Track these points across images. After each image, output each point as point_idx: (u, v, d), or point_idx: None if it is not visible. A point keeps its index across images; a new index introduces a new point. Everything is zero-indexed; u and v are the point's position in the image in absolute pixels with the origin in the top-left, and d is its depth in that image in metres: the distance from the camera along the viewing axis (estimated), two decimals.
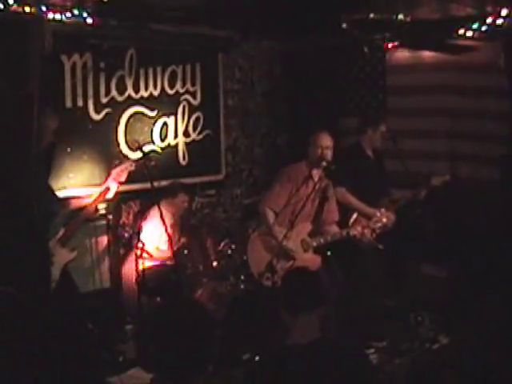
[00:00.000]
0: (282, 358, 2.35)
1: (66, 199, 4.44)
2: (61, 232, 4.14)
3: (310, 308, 2.45)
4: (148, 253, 4.92)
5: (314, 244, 4.68)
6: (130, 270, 5.34)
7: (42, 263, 3.84)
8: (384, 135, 5.14)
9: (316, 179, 4.67)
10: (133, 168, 4.51)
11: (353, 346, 2.58)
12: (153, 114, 5.81)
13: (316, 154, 4.62)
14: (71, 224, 4.21)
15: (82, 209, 4.30)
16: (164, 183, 5.46)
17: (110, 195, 4.42)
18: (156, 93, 5.81)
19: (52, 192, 4.28)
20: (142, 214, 5.41)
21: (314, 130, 4.76)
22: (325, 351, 2.31)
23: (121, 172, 4.43)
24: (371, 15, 5.11)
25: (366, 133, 5.15)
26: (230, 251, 5.71)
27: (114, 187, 4.41)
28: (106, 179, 4.48)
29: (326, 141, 4.65)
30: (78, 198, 4.57)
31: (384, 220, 4.76)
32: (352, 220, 5.02)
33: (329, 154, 4.63)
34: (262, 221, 4.75)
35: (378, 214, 4.78)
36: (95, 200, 4.35)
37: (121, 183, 4.49)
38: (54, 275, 4.03)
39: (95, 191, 4.49)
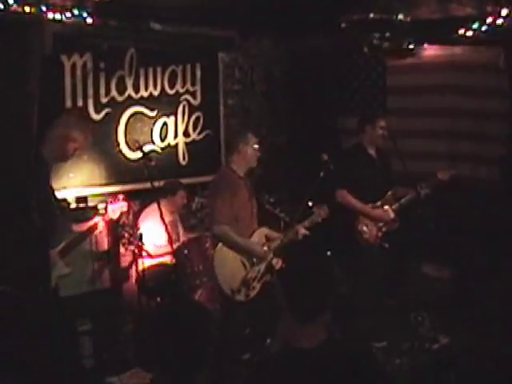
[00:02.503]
0: (287, 359, 2.25)
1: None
2: (62, 244, 3.89)
3: (318, 313, 2.27)
4: (147, 252, 4.93)
5: (274, 246, 4.58)
6: (129, 269, 5.36)
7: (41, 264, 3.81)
8: (384, 130, 5.01)
9: (245, 180, 4.61)
10: (125, 209, 4.32)
11: (360, 345, 2.48)
12: (153, 113, 5.81)
13: (248, 154, 4.56)
14: (72, 239, 3.96)
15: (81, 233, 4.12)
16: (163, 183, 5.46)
17: (98, 230, 4.20)
18: (156, 93, 5.81)
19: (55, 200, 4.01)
20: (139, 213, 5.42)
21: (242, 132, 4.72)
22: (333, 352, 2.24)
23: (116, 210, 4.23)
24: (371, 15, 5.11)
25: (365, 131, 5.02)
26: None
27: (101, 224, 4.19)
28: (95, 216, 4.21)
29: (255, 141, 4.63)
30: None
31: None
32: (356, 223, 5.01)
33: (257, 153, 4.60)
34: (223, 239, 4.41)
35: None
36: (87, 230, 4.13)
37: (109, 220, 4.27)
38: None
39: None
